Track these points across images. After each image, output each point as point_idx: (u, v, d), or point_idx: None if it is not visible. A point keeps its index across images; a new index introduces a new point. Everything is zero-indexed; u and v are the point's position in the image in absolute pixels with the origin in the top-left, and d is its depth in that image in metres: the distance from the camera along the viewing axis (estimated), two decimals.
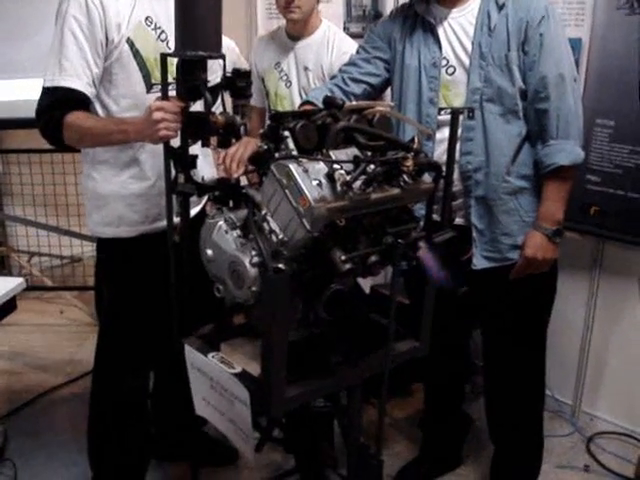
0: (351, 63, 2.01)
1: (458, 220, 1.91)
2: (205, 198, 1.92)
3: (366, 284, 2.54)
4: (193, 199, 1.53)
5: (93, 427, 2.03)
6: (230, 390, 1.33)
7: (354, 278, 1.39)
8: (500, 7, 1.78)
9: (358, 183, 1.21)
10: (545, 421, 2.16)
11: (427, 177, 1.36)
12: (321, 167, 1.22)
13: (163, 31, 1.75)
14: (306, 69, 2.42)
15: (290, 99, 2.46)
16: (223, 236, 1.34)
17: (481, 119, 1.81)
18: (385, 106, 1.44)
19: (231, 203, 1.41)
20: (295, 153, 1.28)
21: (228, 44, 1.93)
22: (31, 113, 1.69)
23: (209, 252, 1.37)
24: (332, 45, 2.40)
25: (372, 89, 1.98)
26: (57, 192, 3.67)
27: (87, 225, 1.91)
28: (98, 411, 2.00)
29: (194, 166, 1.47)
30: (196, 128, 1.45)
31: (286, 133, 1.30)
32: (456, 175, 1.76)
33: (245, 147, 1.46)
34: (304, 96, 2.34)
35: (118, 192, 1.80)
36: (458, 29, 1.83)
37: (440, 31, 1.85)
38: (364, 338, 1.46)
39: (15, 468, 2.27)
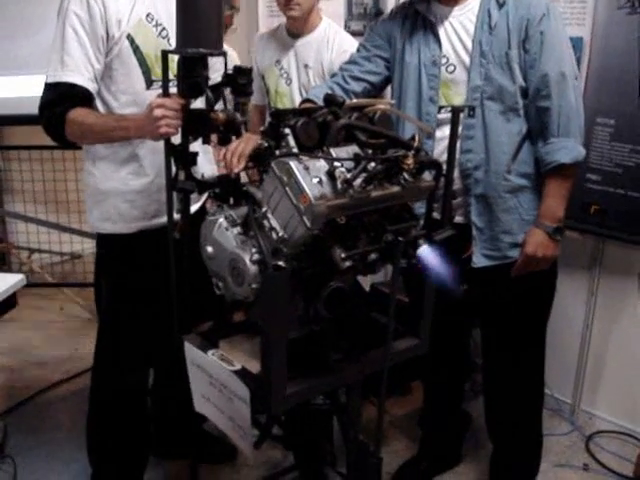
0: (351, 61, 2.01)
1: (458, 218, 1.91)
2: (205, 195, 1.92)
3: (366, 282, 2.54)
4: (193, 196, 1.53)
5: (93, 423, 2.03)
6: (230, 387, 1.33)
7: (354, 276, 1.39)
8: (501, 5, 1.78)
9: (359, 181, 1.21)
10: (544, 419, 2.16)
11: (427, 175, 1.36)
12: (322, 165, 1.22)
13: (164, 28, 1.75)
14: (306, 67, 2.42)
15: (290, 97, 2.46)
16: (223, 233, 1.34)
17: (481, 117, 1.81)
18: (385, 104, 1.44)
19: (231, 200, 1.41)
20: (296, 150, 1.28)
21: (229, 53, 1.92)
22: (33, 110, 1.70)
23: (209, 249, 1.37)
24: (332, 43, 2.40)
25: (372, 87, 1.98)
26: (57, 189, 3.68)
27: (88, 221, 1.92)
28: (98, 408, 2.01)
29: (194, 163, 1.47)
30: (197, 125, 1.45)
31: (287, 130, 1.30)
32: (456, 173, 1.76)
33: (246, 143, 1.46)
34: (304, 94, 2.34)
35: (118, 188, 1.81)
36: (459, 27, 1.83)
37: (440, 30, 1.85)
38: (364, 336, 1.45)
39: (15, 464, 2.27)
